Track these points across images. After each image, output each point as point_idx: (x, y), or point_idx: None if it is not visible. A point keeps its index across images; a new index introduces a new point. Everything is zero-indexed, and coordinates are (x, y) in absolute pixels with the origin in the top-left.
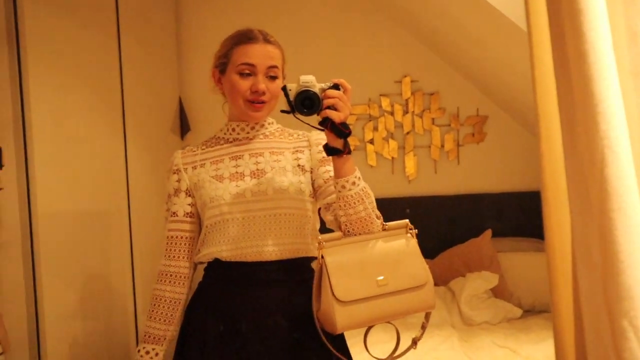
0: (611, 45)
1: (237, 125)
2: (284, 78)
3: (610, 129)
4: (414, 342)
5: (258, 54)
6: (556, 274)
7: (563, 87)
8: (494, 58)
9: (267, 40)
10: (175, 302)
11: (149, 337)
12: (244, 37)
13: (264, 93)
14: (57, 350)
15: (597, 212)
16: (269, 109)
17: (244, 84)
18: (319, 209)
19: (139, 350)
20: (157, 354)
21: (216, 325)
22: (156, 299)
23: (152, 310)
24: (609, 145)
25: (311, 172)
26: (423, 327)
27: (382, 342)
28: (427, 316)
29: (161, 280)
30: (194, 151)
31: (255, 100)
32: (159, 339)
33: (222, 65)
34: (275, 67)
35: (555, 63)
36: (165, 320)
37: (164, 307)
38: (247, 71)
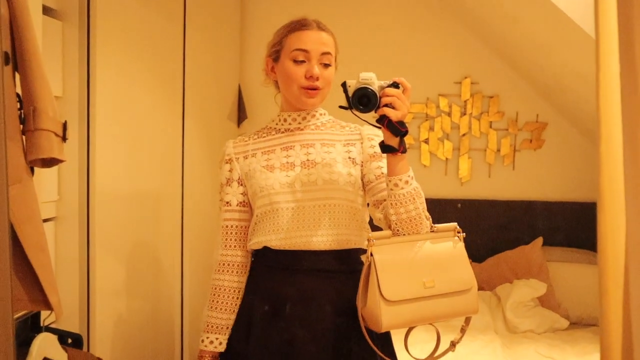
0: None
1: (289, 116)
2: (336, 67)
3: None
4: (453, 345)
5: (312, 39)
6: (607, 281)
7: (628, 93)
8: (559, 64)
9: (320, 27)
10: (235, 291)
11: (212, 326)
12: (298, 24)
13: (317, 78)
14: (105, 324)
15: None
16: (322, 97)
17: (298, 70)
18: (368, 204)
19: (202, 341)
20: (220, 343)
21: (261, 306)
22: (216, 289)
23: (213, 300)
24: None
25: (361, 166)
26: (462, 331)
27: (422, 341)
28: (468, 320)
29: (220, 270)
30: (246, 141)
31: (310, 87)
32: (222, 328)
33: (275, 53)
34: (328, 53)
35: (622, 68)
36: (227, 309)
37: (224, 296)
38: (301, 57)
